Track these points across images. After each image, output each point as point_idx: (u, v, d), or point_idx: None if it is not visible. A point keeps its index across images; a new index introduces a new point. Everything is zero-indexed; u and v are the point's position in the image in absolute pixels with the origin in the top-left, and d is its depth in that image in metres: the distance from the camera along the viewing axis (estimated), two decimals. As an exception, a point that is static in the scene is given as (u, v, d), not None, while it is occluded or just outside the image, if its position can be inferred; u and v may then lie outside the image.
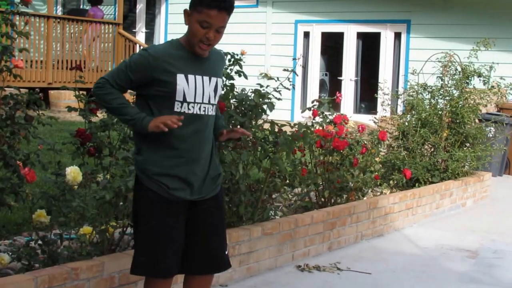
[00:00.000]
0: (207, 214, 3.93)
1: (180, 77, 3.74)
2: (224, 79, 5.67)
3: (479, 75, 10.76)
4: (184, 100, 3.78)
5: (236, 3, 15.86)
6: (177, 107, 3.78)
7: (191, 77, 3.78)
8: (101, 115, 5.31)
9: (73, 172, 4.60)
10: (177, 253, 3.83)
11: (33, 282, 3.99)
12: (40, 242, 4.61)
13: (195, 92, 3.80)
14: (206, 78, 3.86)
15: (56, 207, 4.62)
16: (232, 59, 5.86)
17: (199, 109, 3.83)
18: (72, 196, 4.63)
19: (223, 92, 5.58)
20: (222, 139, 4.09)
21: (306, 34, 16.62)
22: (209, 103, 3.87)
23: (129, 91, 3.98)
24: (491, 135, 10.99)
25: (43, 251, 4.58)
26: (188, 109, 3.79)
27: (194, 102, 3.81)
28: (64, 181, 4.62)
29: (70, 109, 5.30)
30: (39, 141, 4.88)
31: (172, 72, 3.73)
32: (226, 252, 4.03)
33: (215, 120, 4.03)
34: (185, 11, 3.80)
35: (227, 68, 5.78)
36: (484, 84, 11.06)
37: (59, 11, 19.93)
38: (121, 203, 4.85)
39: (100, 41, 16.26)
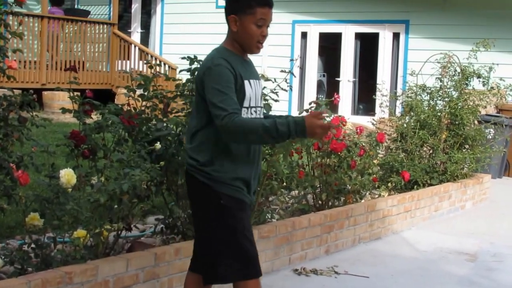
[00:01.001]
0: None
1: (246, 83, 3.81)
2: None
3: (479, 76, 10.76)
4: (250, 105, 3.85)
5: (233, 3, 15.33)
6: (243, 114, 3.80)
7: (252, 81, 3.87)
8: (95, 116, 5.31)
9: (67, 175, 4.59)
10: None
11: (26, 286, 3.98)
12: (33, 245, 4.59)
13: (255, 96, 3.88)
14: (257, 82, 3.96)
15: (50, 210, 4.60)
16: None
17: (255, 112, 3.90)
18: (66, 199, 4.60)
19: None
20: None
21: (304, 35, 16.62)
22: (260, 106, 3.97)
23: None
24: (490, 137, 10.99)
25: (37, 255, 4.57)
26: (251, 114, 3.86)
27: (256, 107, 3.90)
28: (58, 184, 4.61)
29: (64, 110, 5.29)
30: (33, 143, 4.86)
31: (242, 78, 3.78)
32: None
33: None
34: (231, 17, 3.82)
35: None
36: (484, 85, 11.06)
37: (54, 11, 19.89)
38: (115, 206, 4.83)
39: (94, 41, 16.27)
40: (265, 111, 4.24)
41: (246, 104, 3.82)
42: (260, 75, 5.95)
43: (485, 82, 11.03)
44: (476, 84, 10.99)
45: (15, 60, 6.04)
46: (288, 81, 6.26)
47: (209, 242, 3.87)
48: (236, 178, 3.82)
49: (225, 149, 3.81)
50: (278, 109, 16.03)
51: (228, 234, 3.81)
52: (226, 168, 3.81)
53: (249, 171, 3.89)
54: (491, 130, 11.09)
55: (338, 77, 16.29)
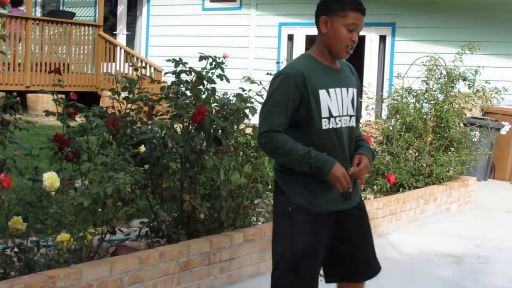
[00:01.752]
0: None
1: (323, 92, 3.72)
2: (206, 82, 5.67)
3: (464, 79, 10.80)
4: (331, 115, 3.75)
5: (219, 5, 15.99)
6: (325, 124, 3.75)
7: (333, 90, 3.78)
8: (79, 119, 5.28)
9: (50, 178, 4.57)
10: None
11: (9, 291, 3.96)
12: (16, 249, 4.57)
13: (338, 105, 3.78)
14: (344, 90, 3.84)
15: (33, 213, 4.58)
16: (214, 63, 5.82)
17: (340, 121, 3.81)
18: (49, 203, 4.57)
19: (204, 96, 5.60)
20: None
21: (290, 37, 16.61)
22: (347, 114, 3.84)
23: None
24: (476, 140, 11.02)
25: (19, 259, 4.55)
26: (336, 123, 3.78)
27: (340, 116, 3.80)
28: (41, 187, 4.59)
29: (48, 113, 5.28)
30: (16, 146, 4.82)
31: (317, 87, 3.72)
32: None
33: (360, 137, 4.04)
34: (322, 19, 3.77)
35: (208, 72, 5.75)
36: (469, 88, 11.10)
37: (38, 13, 19.83)
38: (99, 209, 4.82)
39: (80, 43, 16.21)
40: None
41: (324, 114, 3.73)
42: (246, 78, 6.01)
43: (470, 85, 11.06)
44: (461, 86, 11.03)
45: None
46: (273, 84, 6.23)
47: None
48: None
49: None
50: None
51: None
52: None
53: None
54: (477, 132, 11.13)
55: (324, 79, 16.28)
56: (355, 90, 3.92)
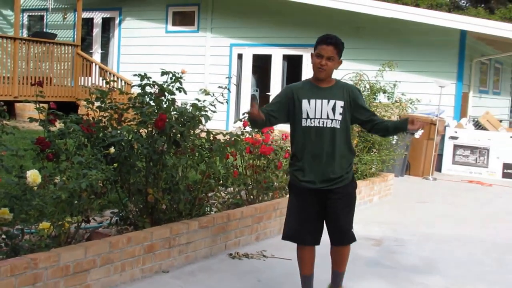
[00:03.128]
0: None
1: (305, 101, 4.53)
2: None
3: (384, 92, 10.95)
4: (308, 117, 4.53)
5: (180, 29, 15.93)
6: (303, 122, 4.55)
7: (314, 100, 4.53)
8: (59, 125, 5.23)
9: (33, 175, 4.53)
10: None
11: (-3, 271, 3.92)
12: (3, 236, 4.51)
13: (315, 111, 4.51)
14: (323, 101, 4.52)
15: (18, 205, 4.53)
16: (174, 77, 5.81)
17: (315, 121, 4.51)
18: (32, 196, 4.54)
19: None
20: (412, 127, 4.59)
21: (240, 56, 16.62)
22: (327, 118, 4.50)
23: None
24: (394, 142, 11.16)
25: (6, 244, 4.48)
26: (310, 123, 4.52)
27: (315, 118, 4.52)
28: (25, 183, 4.55)
29: (31, 119, 5.20)
30: (3, 147, 4.76)
31: (301, 97, 4.56)
32: None
33: (385, 121, 4.84)
34: (311, 54, 4.65)
35: (169, 85, 5.74)
36: (389, 99, 11.26)
37: (24, 34, 19.54)
38: (76, 202, 4.78)
39: (61, 60, 16.02)
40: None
41: (304, 115, 4.54)
42: (203, 90, 6.03)
43: (389, 97, 11.24)
44: (382, 98, 11.18)
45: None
46: (225, 95, 6.25)
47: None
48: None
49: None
50: (218, 118, 16.05)
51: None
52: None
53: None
54: (395, 136, 11.27)
55: (269, 91, 16.32)
56: (337, 101, 4.53)
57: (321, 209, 4.61)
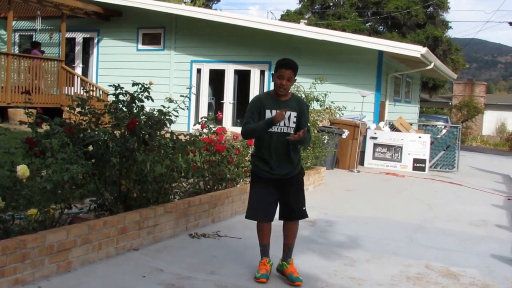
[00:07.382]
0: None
1: (268, 111, 4.60)
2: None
3: (317, 100, 11.05)
4: None
5: (148, 47, 15.74)
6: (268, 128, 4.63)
7: (275, 111, 4.56)
8: (45, 127, 5.12)
9: (22, 169, 4.43)
10: None
11: (-9, 251, 3.80)
12: (-3, 221, 4.39)
13: None
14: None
15: (9, 195, 4.42)
16: (143, 88, 5.74)
17: (276, 128, 4.61)
18: (22, 187, 4.45)
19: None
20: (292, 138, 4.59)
21: (199, 70, 16.55)
22: (285, 125, 4.62)
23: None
24: (325, 141, 11.27)
25: (-1, 228, 4.37)
26: (272, 128, 4.59)
27: (277, 125, 4.61)
28: (15, 176, 4.44)
29: (21, 122, 5.09)
30: (-3, 146, 4.64)
31: (265, 107, 4.62)
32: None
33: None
34: (272, 74, 4.65)
35: (139, 94, 5.66)
36: (321, 106, 11.36)
37: (16, 50, 19.07)
38: (59, 191, 4.68)
39: (48, 72, 15.67)
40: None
41: None
42: (168, 98, 5.96)
43: (321, 104, 11.33)
44: (315, 105, 11.27)
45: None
46: (186, 103, 6.20)
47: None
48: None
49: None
50: (181, 122, 15.89)
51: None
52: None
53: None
54: (326, 136, 11.38)
55: (223, 100, 16.30)
56: (292, 112, 4.63)
57: (278, 193, 4.72)
